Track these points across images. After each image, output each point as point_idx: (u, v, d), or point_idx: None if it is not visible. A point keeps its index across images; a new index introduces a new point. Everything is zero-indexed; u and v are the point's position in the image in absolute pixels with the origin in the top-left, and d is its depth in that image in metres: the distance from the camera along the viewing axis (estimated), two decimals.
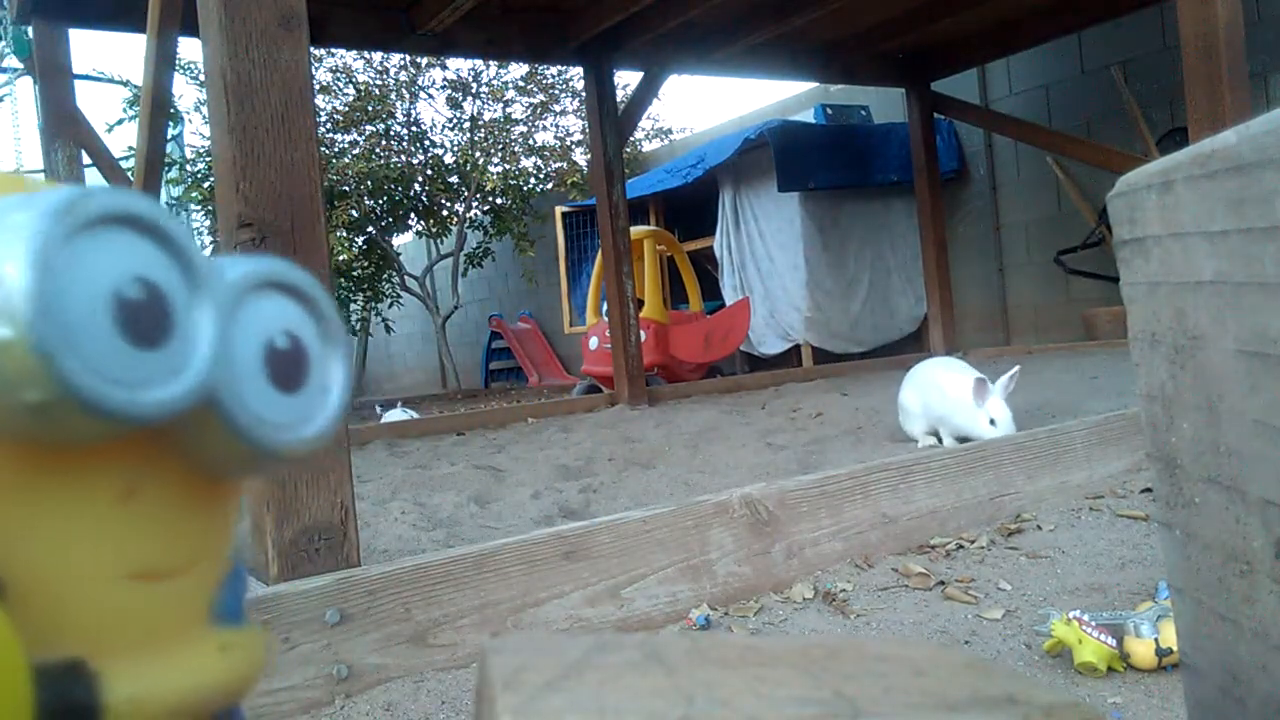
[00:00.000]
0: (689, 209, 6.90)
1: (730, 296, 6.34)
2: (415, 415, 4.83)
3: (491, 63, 7.93)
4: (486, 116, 8.36)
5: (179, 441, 0.32)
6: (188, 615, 0.33)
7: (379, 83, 8.06)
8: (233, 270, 0.33)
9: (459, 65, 8.10)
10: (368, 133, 8.00)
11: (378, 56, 7.92)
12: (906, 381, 2.74)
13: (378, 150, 7.97)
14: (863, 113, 6.41)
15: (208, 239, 7.92)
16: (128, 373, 0.28)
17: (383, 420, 4.76)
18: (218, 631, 0.35)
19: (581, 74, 4.77)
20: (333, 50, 7.72)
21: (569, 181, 8.17)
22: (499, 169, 8.36)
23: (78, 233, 0.28)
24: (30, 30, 3.82)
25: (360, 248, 8.33)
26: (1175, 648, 1.06)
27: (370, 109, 7.92)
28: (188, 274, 0.31)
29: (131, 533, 0.31)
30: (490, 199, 8.38)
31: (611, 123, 4.51)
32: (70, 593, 0.30)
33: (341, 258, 7.94)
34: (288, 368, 0.34)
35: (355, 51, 7.83)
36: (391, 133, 8.14)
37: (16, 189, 0.33)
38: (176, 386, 0.30)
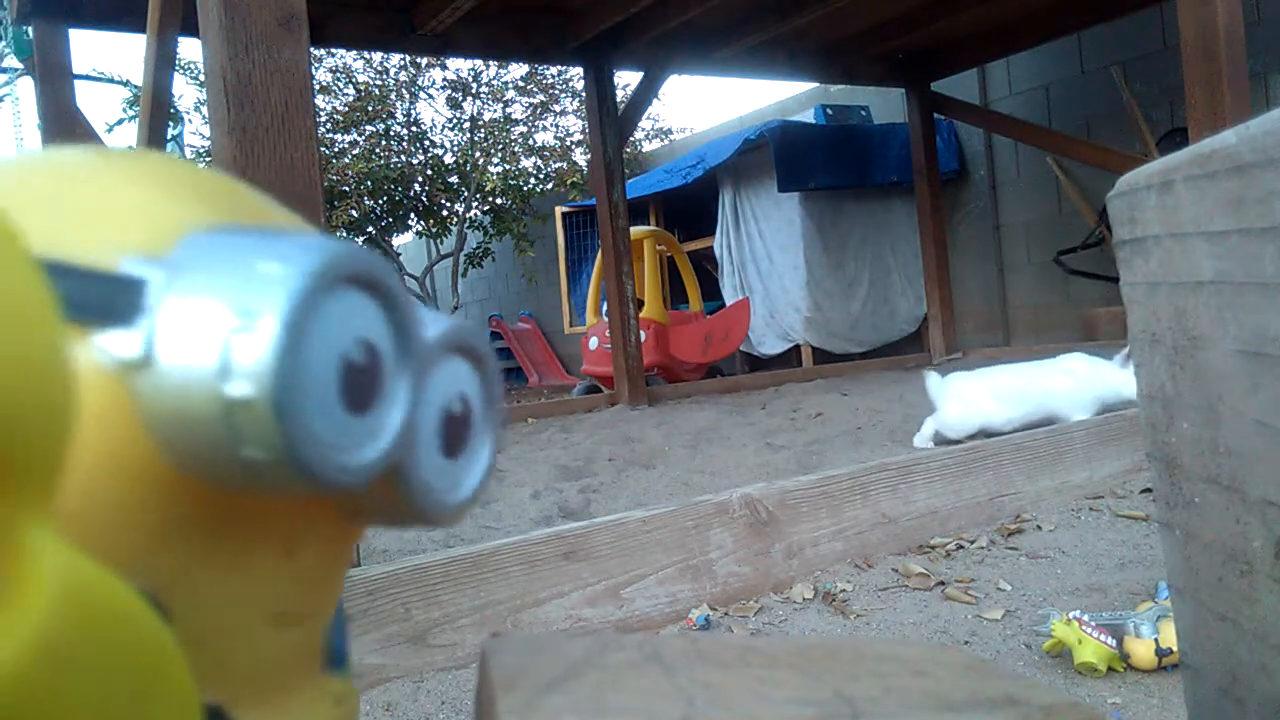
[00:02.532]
0: (689, 209, 6.90)
1: (730, 297, 6.33)
2: None
3: (491, 63, 7.93)
4: (486, 117, 8.36)
5: (348, 498, 0.31)
6: (309, 661, 0.33)
7: (379, 83, 8.06)
8: (429, 331, 0.32)
9: (459, 65, 8.10)
10: (368, 133, 8.00)
11: (378, 56, 7.92)
12: (981, 383, 2.59)
13: (378, 150, 7.97)
14: (863, 113, 6.41)
15: None
16: (339, 438, 0.27)
17: None
18: (331, 680, 0.34)
19: (581, 74, 4.76)
20: (333, 50, 7.71)
21: (569, 181, 8.17)
22: (499, 169, 8.36)
23: (328, 293, 0.27)
24: (30, 30, 3.82)
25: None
26: (1175, 648, 1.06)
27: (370, 109, 7.92)
28: (402, 338, 0.30)
29: (282, 578, 0.31)
30: (490, 199, 8.38)
31: (611, 123, 4.51)
32: (222, 635, 0.29)
33: None
34: (457, 433, 0.33)
35: (355, 51, 7.83)
36: (391, 133, 8.13)
37: (234, 201, 0.32)
38: (372, 453, 0.29)
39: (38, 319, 0.20)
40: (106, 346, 0.26)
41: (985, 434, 2.53)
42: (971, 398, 2.57)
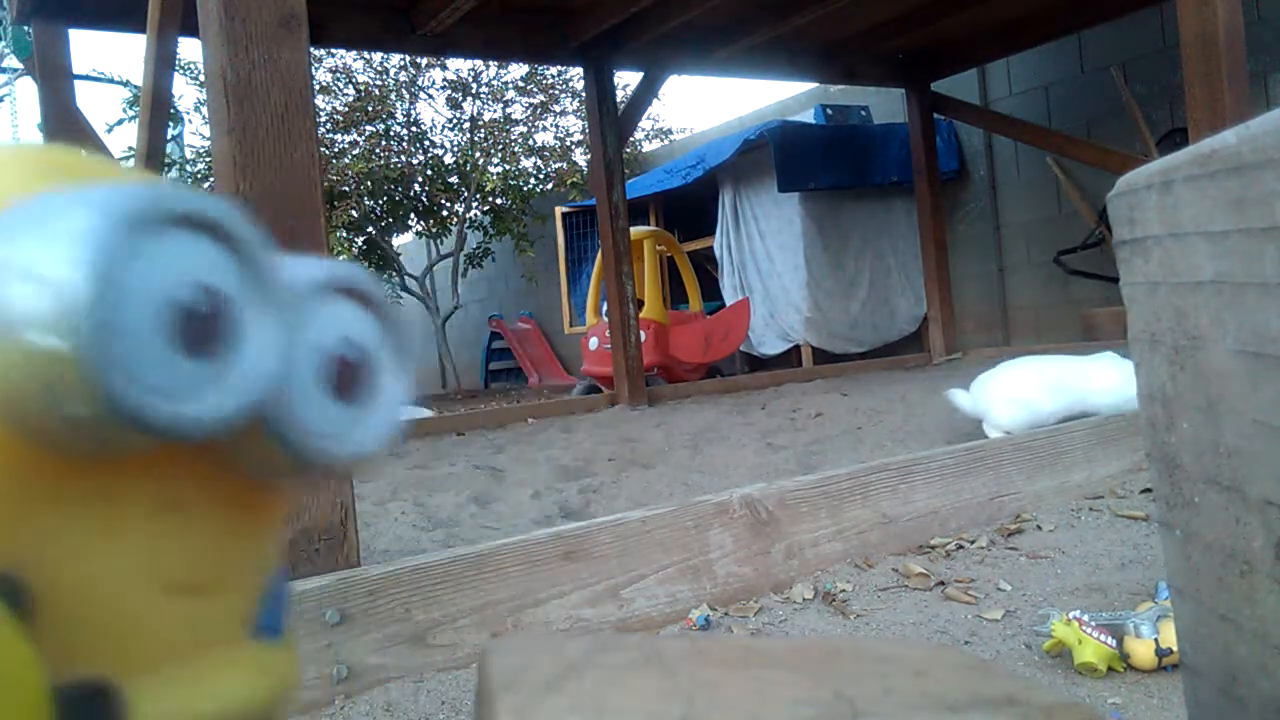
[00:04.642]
0: (689, 209, 6.90)
1: (730, 297, 6.33)
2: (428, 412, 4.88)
3: (491, 63, 7.93)
4: (486, 117, 8.36)
5: (226, 451, 0.30)
6: (226, 631, 0.32)
7: (379, 83, 8.06)
8: (300, 274, 0.30)
9: (459, 65, 8.10)
10: (368, 133, 7.99)
11: (378, 57, 7.92)
12: (1023, 373, 2.52)
13: (378, 150, 7.97)
14: (863, 113, 6.41)
15: None
16: (177, 384, 0.26)
17: None
18: (256, 649, 0.33)
19: (581, 74, 4.76)
20: (333, 50, 7.71)
21: (569, 182, 8.17)
22: (499, 169, 8.35)
23: (142, 237, 0.26)
24: (30, 30, 3.82)
25: (360, 248, 8.33)
26: (1175, 648, 1.06)
27: (370, 109, 7.92)
28: (253, 279, 0.29)
29: (170, 544, 0.29)
30: (490, 199, 8.38)
31: (611, 123, 4.51)
32: (101, 606, 0.28)
33: (341, 258, 7.93)
34: (347, 377, 0.31)
35: (355, 52, 7.83)
36: (391, 133, 8.13)
37: (72, 171, 0.31)
38: (226, 399, 0.27)
39: None
40: None
41: (1079, 409, 2.42)
42: (1019, 394, 2.47)
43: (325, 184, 7.19)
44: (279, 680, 0.33)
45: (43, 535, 0.27)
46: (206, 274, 0.27)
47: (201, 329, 0.27)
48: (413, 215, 8.54)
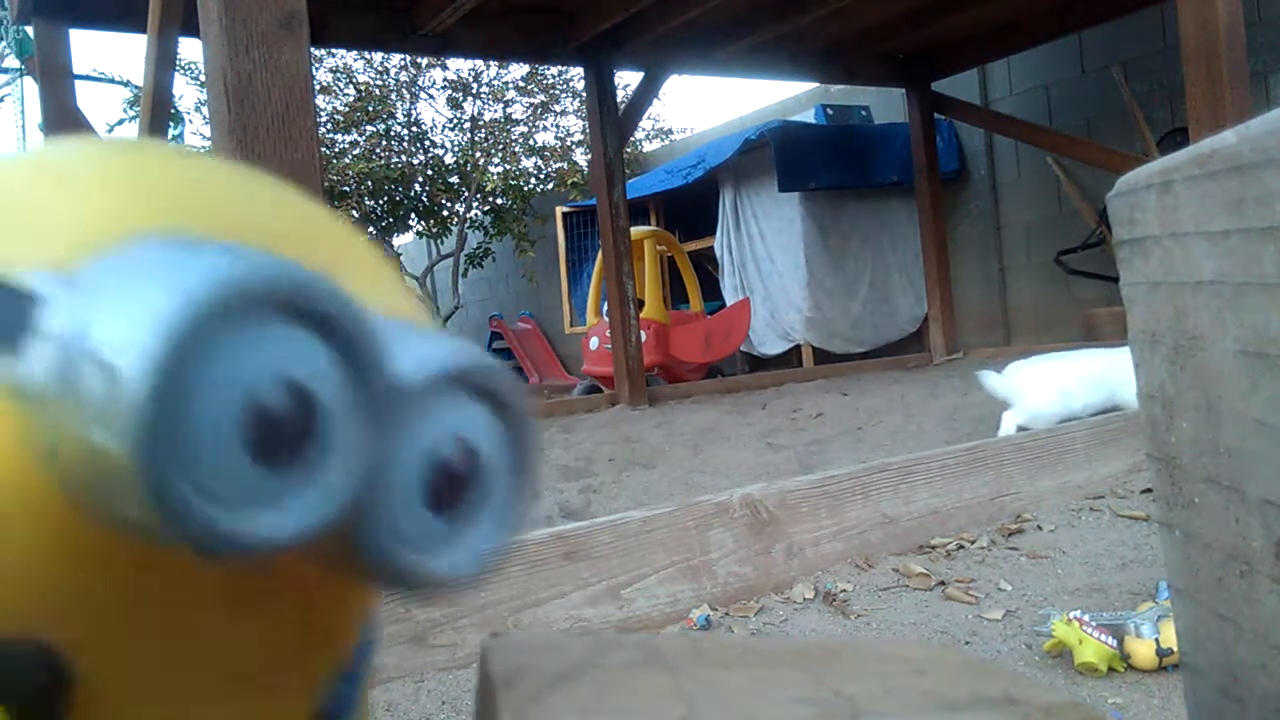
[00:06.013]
0: (689, 209, 6.90)
1: (730, 297, 6.33)
2: None
3: (492, 63, 7.93)
4: (487, 117, 8.36)
5: (308, 555, 0.26)
6: (283, 717, 0.29)
7: (379, 83, 8.06)
8: (416, 364, 0.25)
9: (459, 65, 8.09)
10: (368, 133, 7.99)
11: (378, 57, 7.92)
12: (1063, 366, 2.53)
13: (378, 151, 7.97)
14: (863, 113, 6.40)
15: None
16: (242, 496, 0.22)
17: None
18: None
19: (582, 74, 4.77)
20: (333, 50, 7.72)
21: (569, 182, 8.17)
22: (499, 169, 8.35)
23: (231, 325, 0.22)
24: (31, 30, 3.82)
25: None
26: (1175, 648, 1.06)
27: (370, 109, 7.92)
28: (355, 377, 0.24)
29: (233, 638, 0.26)
30: (490, 199, 8.38)
31: (612, 123, 4.51)
32: (149, 700, 0.25)
33: None
34: (451, 484, 0.26)
35: (355, 52, 7.83)
36: (392, 133, 8.13)
37: (215, 211, 0.26)
38: (306, 513, 0.23)
39: None
40: None
41: (1065, 420, 2.40)
42: (1056, 383, 2.46)
43: (326, 184, 7.19)
44: None
45: (103, 618, 0.24)
46: (298, 369, 0.23)
47: (282, 434, 0.23)
48: (413, 215, 8.54)
